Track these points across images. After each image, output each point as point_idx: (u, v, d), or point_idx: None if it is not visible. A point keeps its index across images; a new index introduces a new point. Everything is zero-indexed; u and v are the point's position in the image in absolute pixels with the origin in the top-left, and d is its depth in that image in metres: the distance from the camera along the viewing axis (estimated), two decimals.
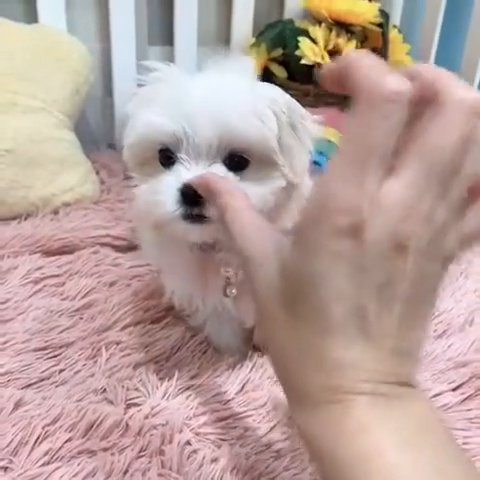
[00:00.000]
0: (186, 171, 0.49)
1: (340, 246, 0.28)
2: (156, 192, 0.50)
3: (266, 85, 0.54)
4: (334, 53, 1.16)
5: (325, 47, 1.16)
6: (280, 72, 1.22)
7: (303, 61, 1.13)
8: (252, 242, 0.34)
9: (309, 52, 1.13)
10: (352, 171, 0.27)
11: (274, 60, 1.23)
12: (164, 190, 0.49)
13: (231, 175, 0.49)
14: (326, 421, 0.29)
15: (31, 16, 1.10)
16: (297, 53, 1.15)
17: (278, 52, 1.21)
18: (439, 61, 1.34)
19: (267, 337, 0.33)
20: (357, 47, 1.19)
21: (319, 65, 1.13)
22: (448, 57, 1.35)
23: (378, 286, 0.28)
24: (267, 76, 1.23)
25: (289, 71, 1.22)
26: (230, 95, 0.49)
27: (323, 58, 1.13)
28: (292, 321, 0.31)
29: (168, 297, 0.65)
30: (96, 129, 1.25)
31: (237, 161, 0.50)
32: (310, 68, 1.15)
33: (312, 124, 0.54)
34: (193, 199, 0.47)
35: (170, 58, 1.26)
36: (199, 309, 0.64)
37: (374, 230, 0.27)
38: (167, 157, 0.51)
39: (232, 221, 0.35)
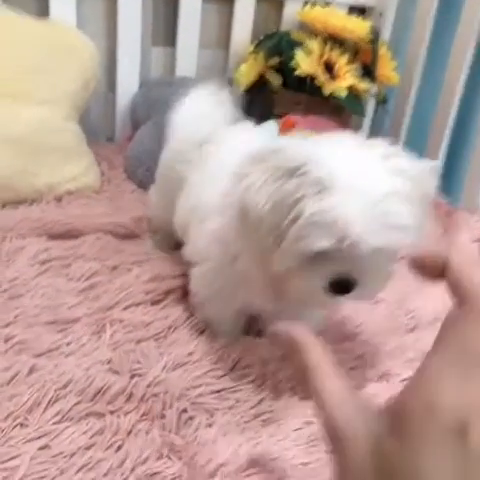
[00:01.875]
0: (335, 266, 0.53)
1: (446, 444, 0.27)
2: (308, 283, 0.55)
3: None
4: (327, 65, 1.24)
5: (319, 59, 1.23)
6: (276, 79, 1.29)
7: (297, 72, 1.20)
8: (343, 417, 0.31)
9: (304, 63, 1.20)
10: (459, 373, 0.27)
11: (271, 68, 1.30)
12: (314, 283, 0.55)
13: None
14: None
15: (42, 9, 1.15)
16: (292, 64, 1.22)
17: (275, 60, 1.28)
18: (424, 77, 1.42)
19: None
20: (349, 61, 1.26)
21: (312, 76, 1.21)
22: (433, 75, 1.44)
23: None
24: (263, 83, 1.30)
25: (284, 79, 1.29)
26: (410, 206, 0.52)
27: (316, 70, 1.20)
28: None
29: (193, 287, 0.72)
30: (97, 123, 1.30)
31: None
32: (304, 79, 1.23)
33: (429, 179, 0.58)
34: (344, 290, 0.55)
35: (172, 59, 1.33)
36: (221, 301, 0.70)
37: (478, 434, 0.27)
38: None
39: (318, 386, 0.32)
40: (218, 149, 0.76)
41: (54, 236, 0.90)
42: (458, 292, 0.28)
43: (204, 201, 0.70)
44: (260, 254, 0.58)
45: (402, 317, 0.83)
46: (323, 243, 0.51)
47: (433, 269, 0.30)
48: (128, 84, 1.28)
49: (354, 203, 0.50)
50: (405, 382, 0.40)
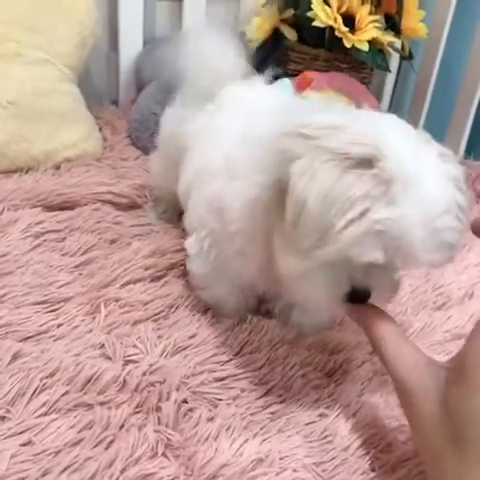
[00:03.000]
0: (358, 276, 0.48)
1: None
2: (320, 284, 0.49)
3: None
4: (347, 16, 1.13)
5: (338, 10, 1.12)
6: (291, 34, 1.19)
7: (315, 23, 1.10)
8: (414, 377, 0.36)
9: (322, 14, 1.09)
10: None
11: (285, 21, 1.20)
12: (330, 285, 0.48)
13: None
14: None
15: None
16: (309, 15, 1.12)
17: (289, 13, 1.18)
18: (453, 31, 1.31)
19: (436, 473, 0.35)
20: (370, 12, 1.15)
21: (331, 28, 1.11)
22: (463, 27, 1.32)
23: None
24: (277, 38, 1.21)
25: (299, 34, 1.19)
26: (440, 231, 0.45)
27: (336, 21, 1.10)
28: (463, 459, 0.32)
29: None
30: (100, 85, 1.22)
31: None
32: (322, 31, 1.12)
33: None
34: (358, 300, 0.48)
35: (178, 13, 1.23)
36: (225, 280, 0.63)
37: None
38: None
39: (390, 354, 0.39)
40: (223, 107, 0.68)
41: (49, 207, 0.84)
42: None
43: (206, 164, 0.63)
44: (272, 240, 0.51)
45: (429, 293, 0.75)
46: (377, 256, 0.44)
47: None
48: (131, 42, 1.19)
49: (419, 216, 0.43)
50: None
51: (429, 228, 0.43)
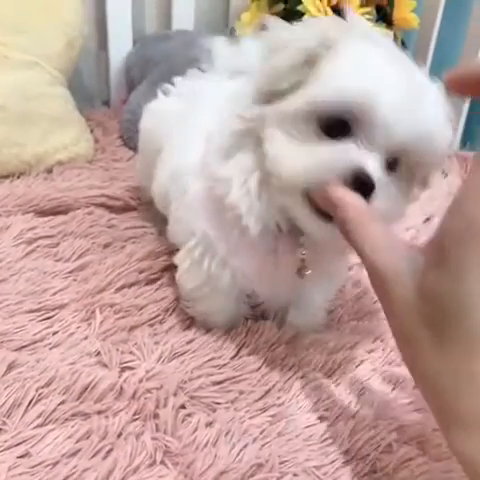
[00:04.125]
0: (365, 156, 0.43)
1: None
2: (313, 154, 0.44)
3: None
4: (337, 9, 1.11)
5: (328, 3, 1.11)
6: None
7: (305, 17, 1.09)
8: (385, 259, 0.33)
9: (312, 7, 1.08)
10: None
11: (275, 15, 1.18)
12: (328, 158, 0.44)
13: (390, 180, 0.45)
14: None
15: None
16: (299, 8, 1.10)
17: (279, 7, 1.16)
18: (445, 20, 1.29)
19: (410, 359, 0.33)
20: (361, 4, 1.14)
21: None
22: (455, 16, 1.31)
23: None
24: None
25: None
26: (441, 107, 0.45)
27: (326, 14, 1.09)
28: (438, 343, 0.30)
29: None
30: (90, 85, 1.21)
31: (391, 160, 0.46)
32: None
33: None
34: (362, 189, 0.42)
35: (167, 11, 1.22)
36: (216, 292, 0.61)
37: None
38: (336, 126, 0.44)
39: (359, 235, 0.35)
40: (198, 102, 0.66)
41: (41, 213, 0.83)
42: None
43: (183, 165, 0.60)
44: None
45: None
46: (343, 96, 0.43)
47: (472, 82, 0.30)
48: (121, 41, 1.17)
49: (390, 72, 0.43)
50: None
51: (406, 97, 0.43)
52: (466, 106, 1.27)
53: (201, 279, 0.60)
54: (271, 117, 0.47)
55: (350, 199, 0.39)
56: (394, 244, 0.34)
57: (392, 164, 0.46)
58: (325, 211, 0.43)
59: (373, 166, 0.43)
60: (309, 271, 0.54)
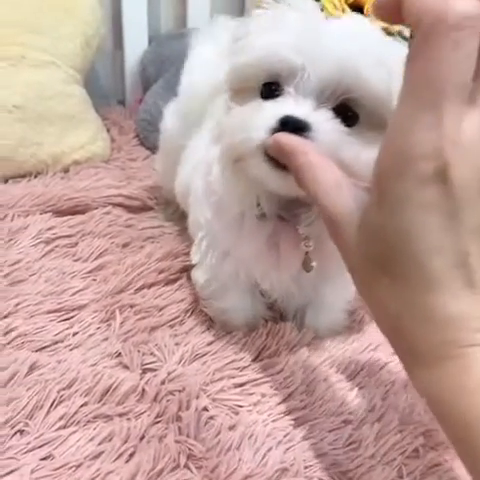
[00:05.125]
0: (293, 104, 0.44)
1: (428, 195, 0.26)
2: (251, 117, 0.45)
3: (397, 44, 0.48)
4: (355, 6, 1.10)
5: (346, 0, 1.10)
6: None
7: (322, 14, 1.08)
8: (334, 200, 0.32)
9: (329, 5, 1.07)
10: (427, 114, 0.26)
11: None
12: (261, 116, 0.44)
13: (337, 124, 0.44)
14: (445, 379, 0.28)
15: None
16: None
17: None
18: None
19: (367, 300, 0.32)
20: None
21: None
22: None
23: (475, 229, 0.27)
24: None
25: None
26: (364, 41, 0.44)
27: (344, 11, 1.07)
28: (390, 280, 0.29)
29: (199, 278, 0.63)
30: (106, 84, 1.21)
31: (346, 113, 0.45)
32: None
33: None
34: (294, 126, 0.42)
35: (182, 9, 1.21)
36: (231, 289, 0.61)
37: (460, 171, 0.26)
38: (272, 90, 0.46)
39: (309, 179, 0.34)
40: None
41: (59, 212, 0.82)
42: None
43: (203, 157, 0.60)
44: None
45: None
46: (280, 39, 0.44)
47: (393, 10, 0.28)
48: (136, 40, 1.16)
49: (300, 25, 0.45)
50: None
51: (320, 40, 0.43)
52: None
53: (209, 273, 0.60)
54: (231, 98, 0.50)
55: (297, 144, 0.37)
56: (343, 185, 0.33)
57: (351, 118, 0.45)
58: (283, 164, 0.42)
59: (303, 110, 0.43)
60: (314, 263, 0.53)
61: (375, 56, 0.43)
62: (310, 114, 0.43)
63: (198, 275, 0.63)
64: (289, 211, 0.52)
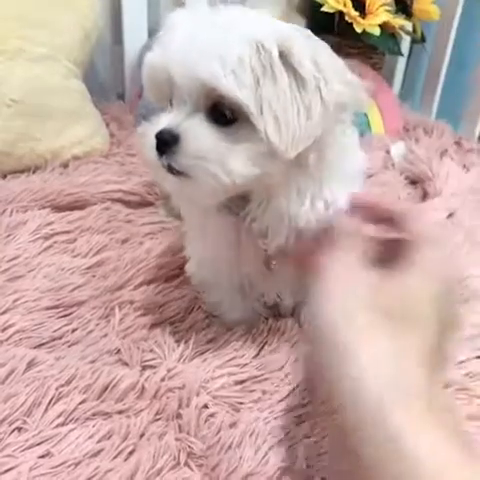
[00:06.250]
0: (166, 117, 0.47)
1: None
2: (143, 136, 0.48)
3: (267, 21, 0.47)
4: (356, 0, 1.09)
5: None
6: (299, 22, 1.15)
7: (324, 8, 1.07)
8: None
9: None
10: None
11: (293, 8, 1.16)
12: (147, 137, 0.47)
13: (210, 128, 0.45)
14: None
15: None
16: (317, 0, 1.08)
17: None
18: (465, 12, 1.27)
19: None
20: None
21: (341, 13, 1.07)
22: (476, 7, 1.28)
23: None
24: None
25: (308, 20, 1.16)
26: (203, 39, 0.44)
27: (345, 5, 1.07)
28: None
29: (191, 270, 0.63)
30: (105, 79, 1.20)
31: (222, 116, 0.45)
32: (331, 16, 1.09)
33: (340, 87, 0.44)
34: (162, 148, 0.45)
35: (182, 1, 1.20)
36: (220, 283, 0.61)
37: None
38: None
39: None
40: None
41: (58, 208, 0.82)
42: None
43: None
44: None
45: None
46: (151, 54, 0.47)
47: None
48: (136, 34, 1.15)
49: (191, 22, 0.46)
50: (462, 365, 0.54)
51: (193, 34, 0.44)
52: None
53: (196, 266, 0.61)
54: None
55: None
56: None
57: (227, 118, 0.45)
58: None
59: (175, 120, 0.46)
60: (274, 262, 0.53)
61: (213, 53, 0.43)
62: (181, 123, 0.46)
63: (189, 267, 0.64)
64: (240, 207, 0.51)
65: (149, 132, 0.47)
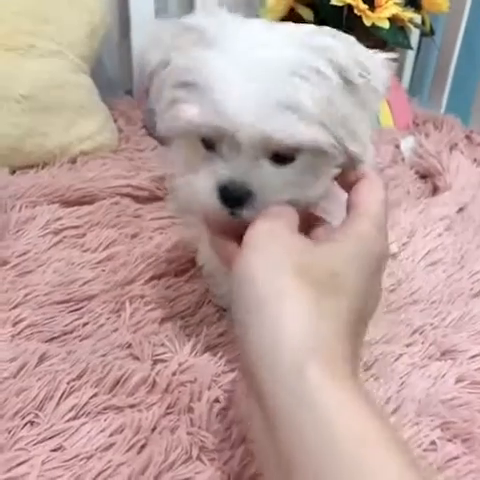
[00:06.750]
0: (225, 167, 0.43)
1: None
2: (195, 190, 0.44)
3: (310, 36, 0.44)
4: None
5: None
6: (307, 14, 1.14)
7: (333, 2, 1.06)
8: None
9: None
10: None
11: (300, 1, 1.15)
12: (202, 189, 0.44)
13: (279, 174, 0.43)
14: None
15: None
16: None
17: None
18: (475, 3, 1.26)
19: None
20: None
21: (349, 6, 1.06)
22: None
23: None
24: (293, 19, 1.16)
25: (316, 14, 1.15)
26: (271, 88, 0.40)
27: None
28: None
29: (200, 261, 0.64)
30: (113, 74, 1.19)
31: (283, 154, 0.43)
32: (340, 10, 1.08)
33: (380, 71, 0.45)
34: (235, 202, 0.43)
35: None
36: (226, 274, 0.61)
37: None
38: (209, 144, 0.44)
39: None
40: None
41: (67, 203, 0.81)
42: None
43: None
44: None
45: (465, 280, 0.71)
46: (192, 110, 0.41)
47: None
48: (143, 27, 1.15)
49: (232, 65, 0.40)
50: (475, 359, 0.50)
51: (252, 83, 0.39)
52: None
53: (202, 258, 0.62)
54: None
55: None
56: None
57: (288, 155, 0.43)
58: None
59: (232, 172, 0.42)
60: None
61: (288, 108, 0.40)
62: (248, 173, 0.42)
63: (199, 259, 0.65)
64: None
65: (201, 185, 0.44)
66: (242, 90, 0.40)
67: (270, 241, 0.39)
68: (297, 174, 0.44)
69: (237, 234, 0.42)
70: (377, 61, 0.46)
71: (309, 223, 0.45)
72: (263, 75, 0.40)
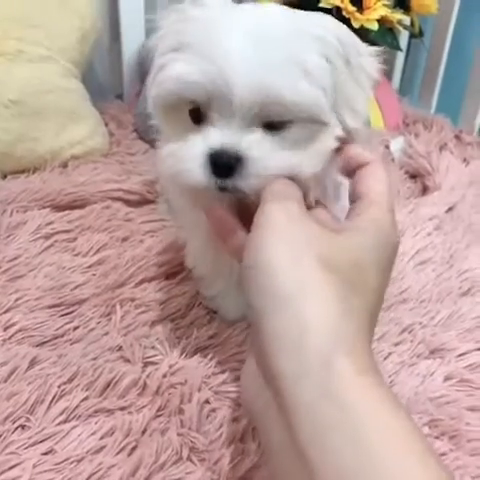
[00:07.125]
0: (216, 133, 0.41)
1: None
2: (182, 158, 0.42)
3: (309, 15, 0.44)
4: None
5: None
6: None
7: (321, 4, 1.07)
8: None
9: None
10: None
11: (289, 4, 1.16)
12: (190, 156, 0.42)
13: (272, 141, 0.41)
14: None
15: None
16: None
17: None
18: (463, 5, 1.27)
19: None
20: None
21: (338, 8, 1.07)
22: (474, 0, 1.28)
23: None
24: None
25: None
26: (275, 47, 0.39)
27: (342, 0, 1.06)
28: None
29: (190, 263, 0.63)
30: (103, 79, 1.20)
31: (277, 122, 0.42)
32: (328, 12, 1.09)
33: (369, 59, 0.45)
34: (225, 170, 0.41)
35: (180, 1, 1.20)
36: (218, 277, 0.61)
37: None
38: (198, 115, 0.43)
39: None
40: None
41: (58, 207, 0.82)
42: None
43: None
44: None
45: (454, 279, 0.72)
46: (183, 68, 0.40)
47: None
48: (133, 32, 1.15)
49: (237, 23, 0.40)
50: (464, 357, 0.50)
51: (250, 37, 0.39)
52: None
53: (193, 261, 0.61)
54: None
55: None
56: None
57: (281, 123, 0.42)
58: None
59: (224, 139, 0.41)
60: None
61: (290, 63, 0.39)
62: (240, 140, 0.41)
63: (188, 262, 0.64)
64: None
65: (190, 152, 0.42)
66: (244, 45, 0.39)
67: (288, 225, 0.37)
68: (291, 143, 0.42)
69: (235, 221, 0.42)
70: (369, 50, 0.46)
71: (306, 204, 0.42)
72: (267, 35, 0.40)
